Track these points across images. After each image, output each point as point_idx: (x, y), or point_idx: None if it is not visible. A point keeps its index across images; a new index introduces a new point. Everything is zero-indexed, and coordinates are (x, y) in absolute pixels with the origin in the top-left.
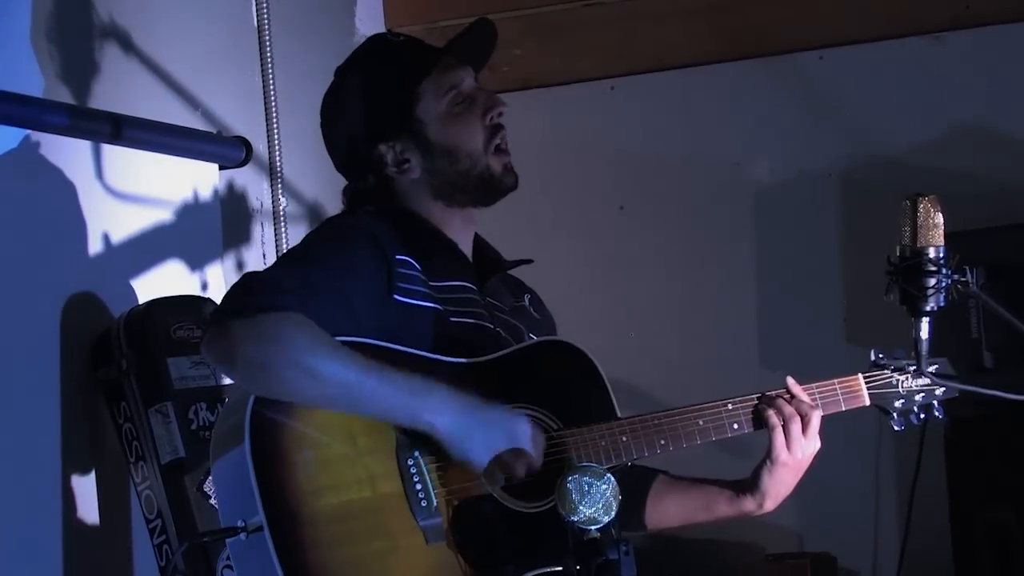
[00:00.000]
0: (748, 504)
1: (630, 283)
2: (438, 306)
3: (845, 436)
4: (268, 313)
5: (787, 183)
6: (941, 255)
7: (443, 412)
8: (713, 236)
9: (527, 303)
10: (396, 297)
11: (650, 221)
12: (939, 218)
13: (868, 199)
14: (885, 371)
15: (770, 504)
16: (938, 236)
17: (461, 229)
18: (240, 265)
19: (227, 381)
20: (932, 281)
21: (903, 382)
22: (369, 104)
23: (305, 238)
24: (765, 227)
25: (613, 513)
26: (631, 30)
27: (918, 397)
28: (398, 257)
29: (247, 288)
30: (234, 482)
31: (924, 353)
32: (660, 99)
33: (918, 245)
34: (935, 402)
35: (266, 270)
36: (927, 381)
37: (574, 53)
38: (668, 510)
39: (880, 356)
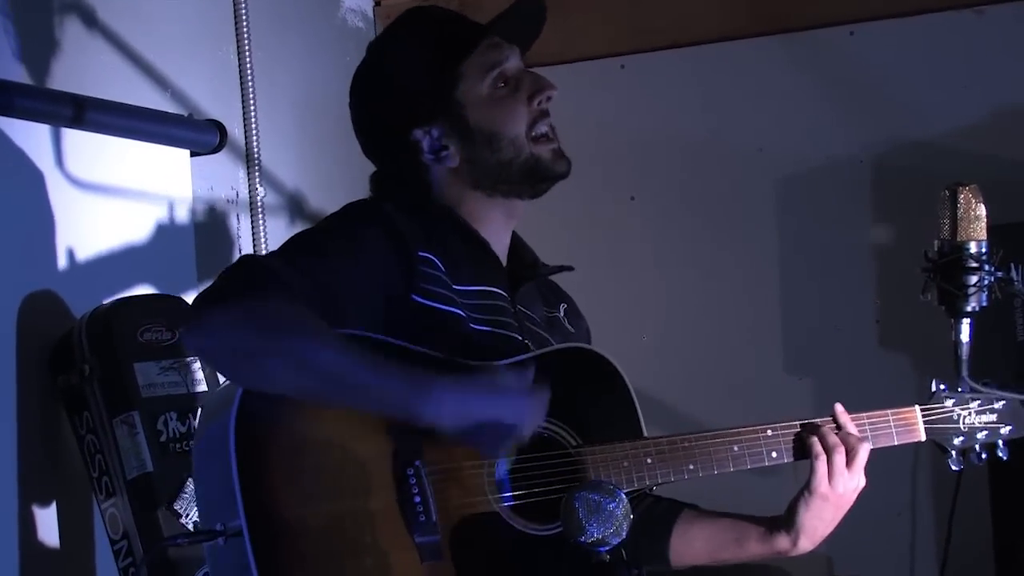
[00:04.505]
0: (782, 542)
1: (641, 281)
2: (460, 312)
3: (878, 451)
4: (254, 298)
5: (814, 170)
6: (983, 250)
7: (445, 405)
8: (733, 229)
9: (561, 314)
10: (415, 298)
11: (664, 213)
12: (981, 210)
13: (903, 188)
14: (945, 404)
15: (805, 543)
16: (980, 229)
17: (502, 224)
18: (214, 260)
19: (200, 389)
20: (973, 279)
21: (964, 417)
22: (404, 84)
23: (317, 223)
24: (790, 219)
25: (624, 534)
26: (643, 3)
27: (980, 435)
28: (420, 254)
29: (237, 273)
30: (215, 480)
31: (964, 358)
32: (675, 79)
33: (958, 239)
34: (1000, 441)
35: (267, 255)
36: (993, 418)
37: (581, 28)
38: (694, 544)
39: (941, 388)
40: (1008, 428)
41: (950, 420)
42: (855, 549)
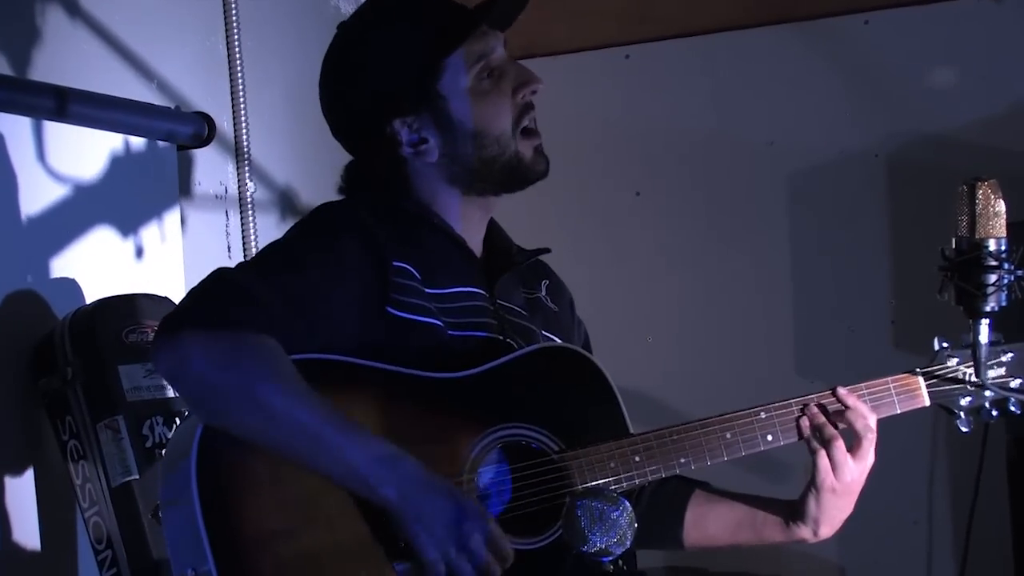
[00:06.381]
0: (801, 531)
1: (646, 280)
2: (436, 321)
3: (893, 455)
4: (232, 330)
5: (827, 165)
6: (1003, 248)
7: (405, 490)
8: (742, 226)
9: (543, 292)
10: (390, 310)
11: (670, 209)
12: (1000, 205)
13: (919, 184)
14: (948, 364)
15: (826, 531)
16: (999, 226)
17: (477, 219)
18: (202, 258)
19: None
20: (992, 277)
21: (971, 375)
22: (387, 74)
23: (289, 232)
24: (802, 216)
25: (628, 544)
26: None
27: (988, 392)
28: (395, 264)
29: (213, 292)
30: (181, 525)
31: (983, 359)
32: (682, 69)
33: (976, 236)
34: (1011, 396)
35: (238, 269)
36: (1001, 371)
37: (585, 16)
38: (709, 529)
39: (944, 346)
40: (1018, 381)
41: (956, 380)
42: (870, 559)
